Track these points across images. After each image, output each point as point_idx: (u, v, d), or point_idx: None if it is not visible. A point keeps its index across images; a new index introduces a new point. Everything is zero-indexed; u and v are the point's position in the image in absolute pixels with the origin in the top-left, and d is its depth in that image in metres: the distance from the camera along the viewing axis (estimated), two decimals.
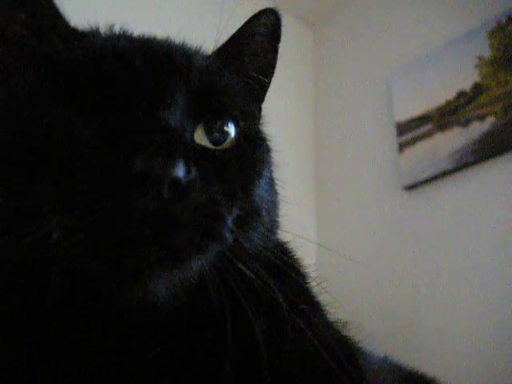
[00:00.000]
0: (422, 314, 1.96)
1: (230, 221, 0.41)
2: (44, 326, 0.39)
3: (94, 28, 0.51)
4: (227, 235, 0.41)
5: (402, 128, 2.24)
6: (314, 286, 0.52)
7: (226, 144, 0.47)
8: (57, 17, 0.50)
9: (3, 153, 0.40)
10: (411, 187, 2.16)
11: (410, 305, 2.01)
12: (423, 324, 1.94)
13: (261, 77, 0.59)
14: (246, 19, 0.58)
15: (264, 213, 0.49)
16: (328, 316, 0.51)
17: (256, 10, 0.58)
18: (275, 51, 0.61)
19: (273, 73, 0.61)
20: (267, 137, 0.56)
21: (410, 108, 2.24)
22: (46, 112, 0.41)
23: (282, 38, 0.60)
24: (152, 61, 0.45)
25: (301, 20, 2.88)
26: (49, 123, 0.40)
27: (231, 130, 0.48)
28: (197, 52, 0.53)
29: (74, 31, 0.50)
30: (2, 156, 0.40)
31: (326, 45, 2.90)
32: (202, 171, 0.40)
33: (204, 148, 0.45)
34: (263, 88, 0.61)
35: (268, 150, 0.55)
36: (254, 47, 0.58)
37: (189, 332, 0.41)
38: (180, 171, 0.36)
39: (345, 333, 0.51)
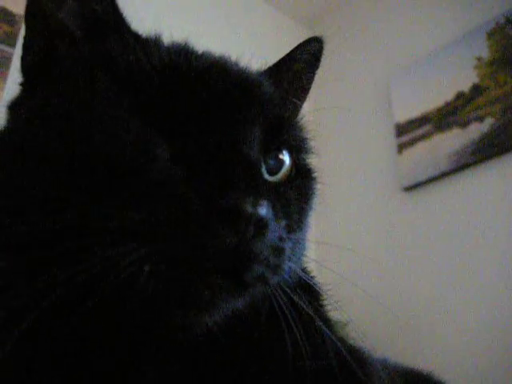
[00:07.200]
0: (421, 314, 1.96)
1: (288, 253, 0.42)
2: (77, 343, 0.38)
3: (155, 35, 0.48)
4: (286, 268, 0.42)
5: (401, 129, 2.25)
6: (327, 302, 0.53)
7: (282, 174, 0.47)
8: (116, 13, 0.47)
9: (62, 167, 0.37)
10: (410, 188, 2.16)
11: (409, 305, 2.01)
12: (423, 324, 1.94)
13: (298, 101, 0.59)
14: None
15: (305, 240, 0.50)
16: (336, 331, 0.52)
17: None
18: (313, 77, 0.61)
19: (306, 96, 0.62)
20: (314, 168, 0.56)
21: (409, 109, 2.24)
22: (119, 128, 0.38)
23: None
24: (231, 87, 0.43)
25: (299, 20, 2.88)
26: (123, 139, 0.38)
27: (286, 157, 0.48)
28: (263, 78, 0.51)
29: (136, 36, 0.47)
30: (59, 170, 0.37)
31: (325, 46, 2.90)
32: (272, 207, 0.39)
33: (267, 181, 0.45)
34: (297, 112, 0.60)
35: (316, 182, 0.55)
36: (296, 73, 0.59)
37: (224, 350, 0.41)
38: (265, 210, 0.36)
39: (345, 333, 0.52)
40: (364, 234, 2.31)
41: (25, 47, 0.47)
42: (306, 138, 0.53)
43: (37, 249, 0.35)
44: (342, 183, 2.53)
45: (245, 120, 0.42)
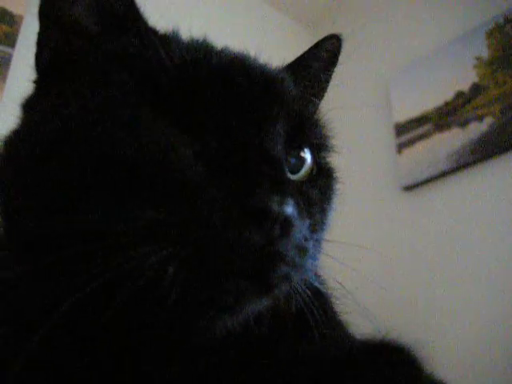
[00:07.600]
0: (421, 314, 1.96)
1: (311, 253, 0.41)
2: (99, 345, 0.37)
3: (173, 31, 0.47)
4: (309, 268, 0.42)
5: (401, 129, 2.25)
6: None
7: (303, 172, 0.46)
8: (133, 8, 0.46)
9: (80, 167, 0.36)
10: (410, 188, 2.16)
11: (408, 305, 2.01)
12: (423, 323, 1.94)
13: (316, 100, 0.59)
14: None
15: (323, 240, 0.50)
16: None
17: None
18: (331, 75, 0.61)
19: (324, 95, 0.62)
20: (335, 167, 0.54)
21: (409, 109, 2.24)
22: (140, 125, 0.37)
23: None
24: (254, 83, 0.43)
25: (299, 20, 2.88)
26: (144, 137, 0.37)
27: (307, 155, 0.47)
28: (284, 75, 0.50)
29: (155, 32, 0.45)
30: (78, 170, 0.36)
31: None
32: (297, 205, 0.38)
33: (291, 180, 0.44)
34: (315, 111, 0.59)
35: (337, 182, 0.55)
36: (314, 72, 0.58)
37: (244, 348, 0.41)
38: (292, 209, 0.35)
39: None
40: (363, 233, 2.31)
41: (39, 44, 0.46)
42: (328, 136, 0.52)
43: (55, 251, 0.34)
44: (341, 182, 2.52)
45: (268, 116, 0.41)
